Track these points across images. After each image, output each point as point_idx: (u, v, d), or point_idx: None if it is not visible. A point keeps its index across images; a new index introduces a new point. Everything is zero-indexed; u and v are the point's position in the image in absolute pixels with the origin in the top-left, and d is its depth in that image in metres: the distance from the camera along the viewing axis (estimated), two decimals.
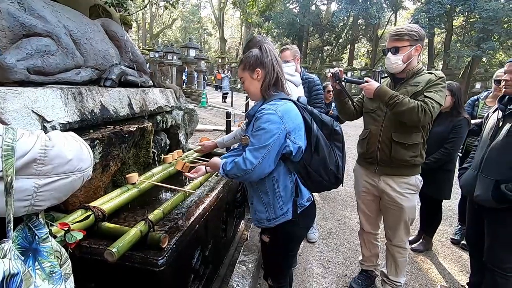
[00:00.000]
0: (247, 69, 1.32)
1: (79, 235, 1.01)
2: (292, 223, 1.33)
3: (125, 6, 2.72)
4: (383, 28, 22.64)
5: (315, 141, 1.27)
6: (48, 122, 1.22)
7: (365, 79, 1.67)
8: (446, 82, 1.72)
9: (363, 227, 2.01)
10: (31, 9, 1.38)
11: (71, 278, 0.82)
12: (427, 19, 15.81)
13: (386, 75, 1.80)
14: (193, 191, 1.71)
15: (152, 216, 1.36)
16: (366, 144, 1.78)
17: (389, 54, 1.65)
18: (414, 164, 1.69)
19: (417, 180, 1.74)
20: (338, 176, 1.34)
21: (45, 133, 0.70)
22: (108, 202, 1.45)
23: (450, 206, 3.51)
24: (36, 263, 0.70)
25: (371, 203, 1.91)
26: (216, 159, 1.42)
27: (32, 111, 1.17)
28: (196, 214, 1.56)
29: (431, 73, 1.63)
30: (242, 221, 2.85)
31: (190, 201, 1.78)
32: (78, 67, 1.61)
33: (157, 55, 14.67)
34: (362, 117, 1.89)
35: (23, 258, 0.66)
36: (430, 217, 2.61)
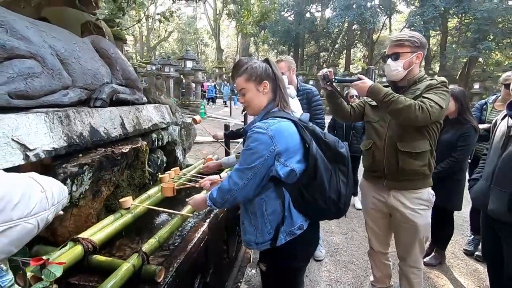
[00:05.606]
0: (253, 80, 1.22)
1: (58, 270, 0.89)
2: (281, 252, 1.22)
3: (117, 21, 2.67)
4: (378, 32, 22.84)
5: (313, 163, 1.14)
6: (30, 150, 1.13)
7: (358, 76, 1.57)
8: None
9: (373, 246, 1.88)
10: (13, 30, 1.31)
11: None
12: (422, 22, 15.92)
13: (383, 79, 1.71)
14: (191, 215, 1.61)
15: (146, 246, 1.26)
16: (372, 156, 1.67)
17: (389, 61, 1.57)
18: (424, 174, 1.58)
19: (429, 194, 1.63)
20: (339, 205, 1.20)
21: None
22: (100, 231, 1.35)
23: (460, 213, 3.38)
24: None
25: (381, 220, 1.78)
26: (197, 196, 1.39)
27: (12, 139, 1.08)
28: (195, 239, 1.46)
29: (433, 79, 1.56)
30: None
31: (188, 225, 1.69)
32: (65, 88, 1.53)
33: (154, 67, 14.72)
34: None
35: None
36: (442, 229, 2.49)
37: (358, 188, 2.01)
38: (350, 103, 1.79)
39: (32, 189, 0.62)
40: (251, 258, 2.43)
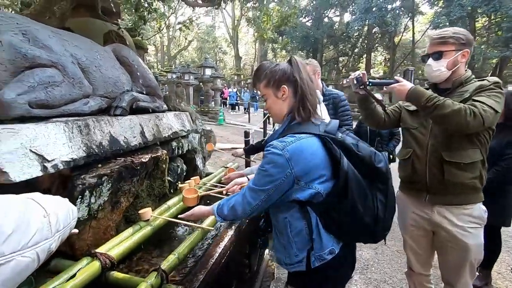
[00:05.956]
0: (271, 85, 1.12)
1: None
2: (312, 277, 1.09)
3: (138, 30, 2.69)
4: (399, 35, 22.18)
5: (343, 180, 0.98)
6: (48, 161, 1.09)
7: (396, 78, 1.41)
8: None
9: (412, 267, 1.68)
10: (35, 39, 1.30)
11: None
12: (448, 23, 15.26)
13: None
14: (212, 228, 1.52)
15: (165, 264, 1.18)
16: (411, 167, 1.50)
17: (430, 61, 1.42)
18: (474, 187, 1.39)
19: (481, 210, 1.43)
20: (376, 231, 1.04)
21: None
22: (118, 245, 1.29)
23: (504, 229, 3.07)
24: None
25: (422, 239, 1.59)
26: (199, 208, 1.32)
27: (31, 150, 1.04)
28: (216, 255, 1.37)
29: (484, 79, 1.38)
30: (267, 250, 2.61)
31: (208, 239, 1.60)
32: (86, 97, 1.50)
33: (174, 76, 15.05)
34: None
35: None
36: (487, 247, 2.24)
37: None
38: (385, 109, 1.62)
39: (31, 213, 0.53)
40: (275, 273, 2.30)
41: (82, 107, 1.44)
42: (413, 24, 20.84)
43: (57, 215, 0.58)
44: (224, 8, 23.54)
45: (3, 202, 0.51)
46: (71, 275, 1.05)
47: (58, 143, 1.16)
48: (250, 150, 2.49)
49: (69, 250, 1.29)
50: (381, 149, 3.35)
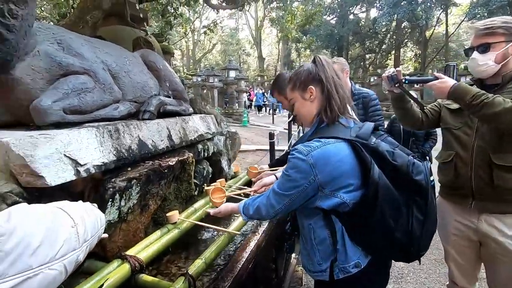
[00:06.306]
0: (297, 88, 1.08)
1: None
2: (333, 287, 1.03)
3: (165, 36, 2.75)
4: (431, 29, 20.99)
5: (373, 191, 0.90)
6: (81, 165, 1.12)
7: (435, 74, 1.29)
8: None
9: (456, 280, 1.53)
10: (69, 48, 1.35)
11: None
12: (486, 13, 14.20)
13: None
14: (238, 232, 1.49)
15: (192, 268, 1.17)
16: (453, 171, 1.37)
17: (475, 54, 1.28)
18: None
19: None
20: (409, 250, 0.94)
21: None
22: (147, 248, 1.31)
23: None
24: None
25: (467, 250, 1.45)
26: (226, 205, 1.33)
27: (65, 155, 1.08)
28: (243, 260, 1.35)
29: None
30: (293, 255, 2.55)
31: (235, 243, 1.58)
32: (116, 102, 1.55)
33: (199, 79, 15.36)
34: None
35: None
36: None
37: None
38: (423, 108, 1.50)
39: (60, 224, 0.53)
40: (302, 279, 2.24)
41: (112, 112, 1.48)
42: (446, 16, 19.63)
43: (85, 225, 0.57)
44: (248, 10, 23.72)
45: (32, 213, 0.51)
46: (102, 277, 1.07)
47: (90, 147, 1.19)
48: (275, 164, 2.43)
49: (101, 252, 1.32)
50: (416, 150, 3.15)
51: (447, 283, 1.64)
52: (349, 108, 1.07)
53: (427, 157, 3.11)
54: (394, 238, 0.93)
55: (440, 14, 20.10)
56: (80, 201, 0.73)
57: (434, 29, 21.14)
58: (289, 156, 0.99)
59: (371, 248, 0.99)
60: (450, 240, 1.50)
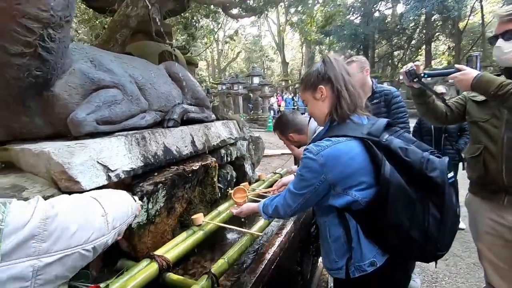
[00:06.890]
0: (308, 88, 1.10)
1: None
2: (350, 286, 1.03)
3: (189, 48, 2.89)
4: (465, 19, 19.71)
5: (384, 189, 0.89)
6: (112, 171, 1.22)
7: (457, 66, 1.23)
8: None
9: (492, 282, 1.44)
10: (100, 64, 1.48)
11: None
12: None
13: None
14: (261, 234, 1.52)
15: (215, 267, 1.21)
16: (482, 166, 1.30)
17: (500, 42, 1.22)
18: None
19: None
20: (426, 249, 0.91)
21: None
22: (174, 249, 1.37)
23: None
24: None
25: (503, 249, 1.35)
26: (247, 205, 1.41)
27: (98, 162, 1.18)
28: (265, 261, 1.36)
29: None
30: (320, 258, 2.51)
31: (258, 244, 1.61)
32: (143, 112, 1.66)
33: (224, 87, 15.70)
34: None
35: None
36: None
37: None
38: (445, 102, 1.44)
39: (92, 213, 0.63)
40: (329, 283, 2.20)
41: (139, 121, 1.59)
42: (481, 4, 18.37)
43: (114, 214, 0.67)
44: (269, 17, 23.93)
45: (70, 202, 0.62)
46: (132, 275, 1.15)
47: (120, 154, 1.29)
48: None
49: (132, 252, 1.41)
50: (450, 147, 2.98)
51: (484, 286, 1.54)
52: (362, 105, 1.06)
53: (463, 155, 2.92)
54: (410, 237, 0.90)
55: (474, 3, 18.84)
56: (120, 190, 0.84)
57: (468, 19, 19.82)
58: (302, 155, 1.02)
59: (386, 246, 0.98)
60: (482, 239, 1.42)
